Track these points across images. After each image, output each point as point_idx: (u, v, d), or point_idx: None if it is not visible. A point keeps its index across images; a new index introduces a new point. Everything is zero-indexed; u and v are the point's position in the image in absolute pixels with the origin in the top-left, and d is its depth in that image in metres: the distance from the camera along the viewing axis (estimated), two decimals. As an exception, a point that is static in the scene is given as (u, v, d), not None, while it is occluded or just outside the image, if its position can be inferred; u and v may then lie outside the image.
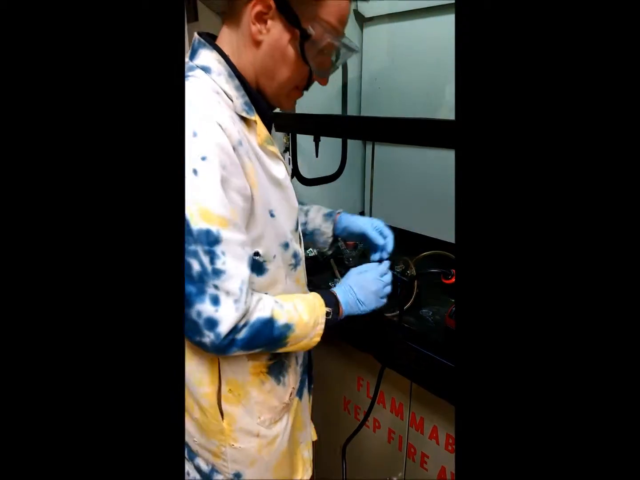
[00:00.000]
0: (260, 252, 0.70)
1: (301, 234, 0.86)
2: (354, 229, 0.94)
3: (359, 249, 1.44)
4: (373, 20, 1.51)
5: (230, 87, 0.66)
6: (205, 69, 0.66)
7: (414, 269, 1.13)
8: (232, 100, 0.66)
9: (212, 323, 0.62)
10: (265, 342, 0.69)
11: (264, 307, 0.68)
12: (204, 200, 0.59)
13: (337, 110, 1.53)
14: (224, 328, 0.62)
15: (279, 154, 0.74)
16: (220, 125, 0.60)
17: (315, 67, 0.68)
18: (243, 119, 0.68)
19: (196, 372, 0.75)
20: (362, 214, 1.80)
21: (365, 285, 0.83)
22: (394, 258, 0.91)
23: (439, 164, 1.42)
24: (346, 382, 1.23)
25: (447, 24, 1.28)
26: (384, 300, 0.84)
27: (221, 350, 0.65)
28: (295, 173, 1.47)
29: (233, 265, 0.62)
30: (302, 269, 0.85)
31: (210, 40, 0.69)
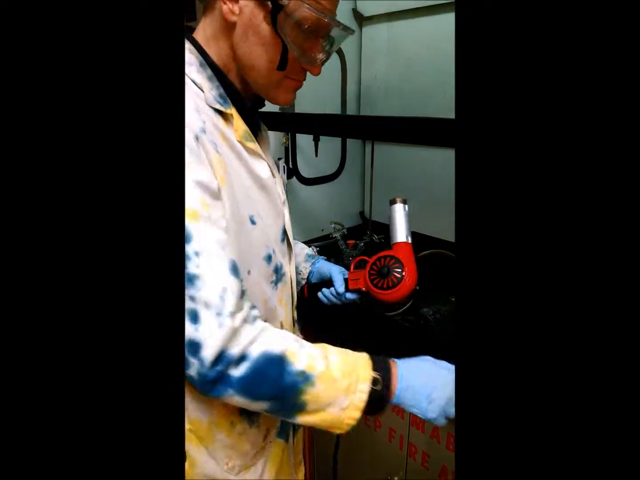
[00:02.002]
0: None
1: (293, 251, 0.76)
2: (323, 269, 0.88)
3: (359, 249, 1.45)
4: (372, 19, 1.51)
5: (202, 77, 0.59)
6: None
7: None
8: (202, 91, 0.58)
9: (194, 347, 0.48)
10: (271, 390, 0.52)
11: (274, 340, 0.53)
12: None
13: (336, 109, 1.54)
14: (208, 351, 0.48)
15: (260, 152, 0.65)
16: None
17: (299, 49, 0.58)
18: (218, 112, 0.60)
19: None
20: (362, 213, 1.80)
21: (433, 375, 0.61)
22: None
23: (439, 163, 1.42)
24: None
25: (446, 22, 1.28)
26: (451, 412, 0.59)
27: (209, 385, 0.50)
28: (295, 173, 1.48)
29: (208, 269, 0.49)
30: (286, 288, 0.71)
31: (186, 30, 0.61)
